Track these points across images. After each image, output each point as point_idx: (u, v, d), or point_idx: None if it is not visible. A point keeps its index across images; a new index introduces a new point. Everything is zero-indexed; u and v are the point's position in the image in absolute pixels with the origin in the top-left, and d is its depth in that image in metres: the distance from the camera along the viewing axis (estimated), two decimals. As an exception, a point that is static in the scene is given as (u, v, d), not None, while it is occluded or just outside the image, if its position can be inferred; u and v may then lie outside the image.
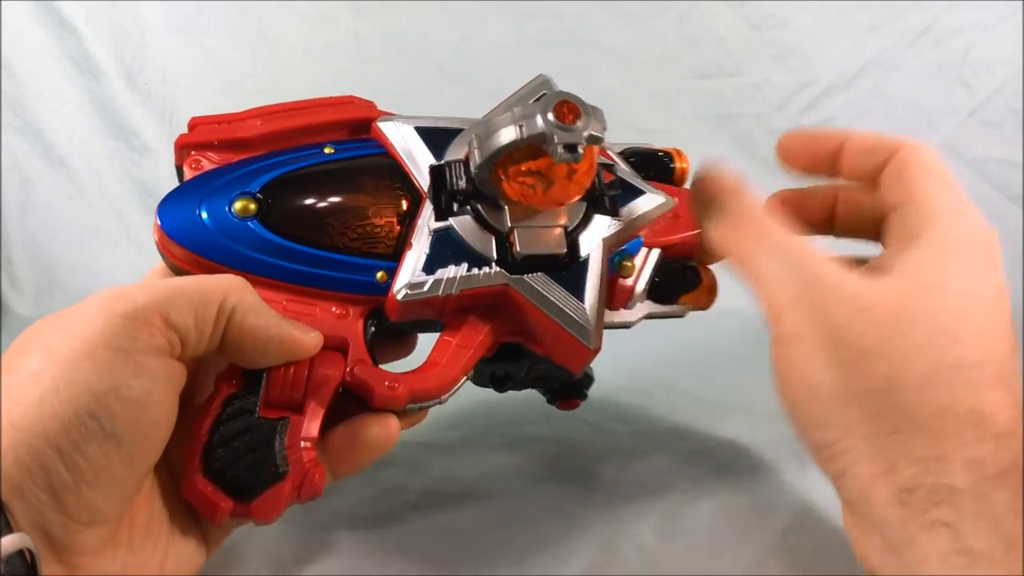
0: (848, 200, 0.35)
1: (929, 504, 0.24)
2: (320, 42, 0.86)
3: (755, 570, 0.35)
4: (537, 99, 0.36)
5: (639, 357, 0.62)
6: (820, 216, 0.36)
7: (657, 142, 0.43)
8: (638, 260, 0.38)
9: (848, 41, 0.87)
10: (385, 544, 0.36)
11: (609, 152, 0.39)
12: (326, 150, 0.35)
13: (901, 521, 0.24)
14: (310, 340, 0.31)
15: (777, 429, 0.44)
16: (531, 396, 0.45)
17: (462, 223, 0.34)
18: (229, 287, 0.29)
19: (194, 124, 0.35)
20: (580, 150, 0.30)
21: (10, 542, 0.22)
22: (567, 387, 0.44)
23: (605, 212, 0.36)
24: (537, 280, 0.34)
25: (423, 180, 0.34)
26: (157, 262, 0.34)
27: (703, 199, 0.33)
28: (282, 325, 0.30)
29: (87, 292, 0.27)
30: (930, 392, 0.25)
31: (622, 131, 0.43)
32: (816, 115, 0.86)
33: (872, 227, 0.33)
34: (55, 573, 0.24)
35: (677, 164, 0.41)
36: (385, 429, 0.33)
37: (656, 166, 0.41)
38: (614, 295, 0.38)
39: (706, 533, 0.38)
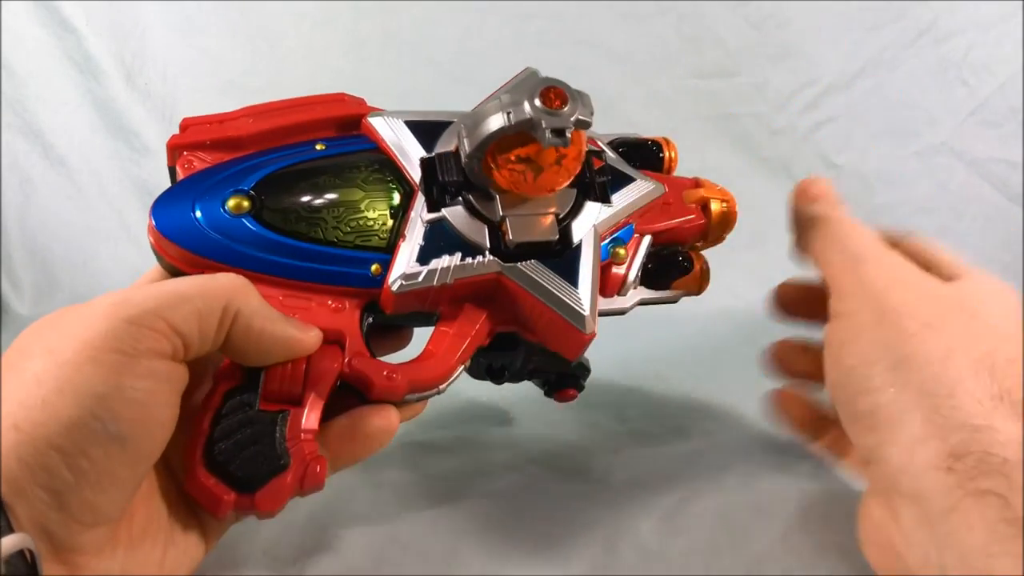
0: None
1: (978, 473, 0.24)
2: (320, 42, 0.86)
3: (755, 570, 0.35)
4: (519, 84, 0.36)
5: (637, 355, 0.62)
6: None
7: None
8: (630, 247, 0.38)
9: (848, 41, 0.87)
10: (384, 544, 0.36)
11: (597, 141, 0.40)
12: (317, 147, 0.35)
13: (946, 488, 0.24)
14: (310, 339, 0.31)
15: (777, 428, 0.44)
16: (529, 396, 0.45)
17: (455, 213, 0.34)
18: (233, 290, 0.29)
19: (186, 125, 0.35)
20: (568, 134, 0.30)
21: (11, 542, 0.22)
22: (563, 378, 0.43)
23: (596, 199, 0.37)
24: (530, 267, 0.34)
25: (414, 173, 0.35)
26: (155, 262, 0.34)
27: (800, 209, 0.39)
28: (284, 327, 0.30)
29: (87, 292, 0.27)
30: (982, 375, 0.26)
31: (622, 130, 0.43)
32: (816, 115, 0.86)
33: None
34: (56, 573, 0.24)
35: (665, 153, 0.42)
36: (385, 420, 0.33)
37: (645, 155, 0.41)
38: (608, 282, 0.38)
39: (706, 533, 0.38)
